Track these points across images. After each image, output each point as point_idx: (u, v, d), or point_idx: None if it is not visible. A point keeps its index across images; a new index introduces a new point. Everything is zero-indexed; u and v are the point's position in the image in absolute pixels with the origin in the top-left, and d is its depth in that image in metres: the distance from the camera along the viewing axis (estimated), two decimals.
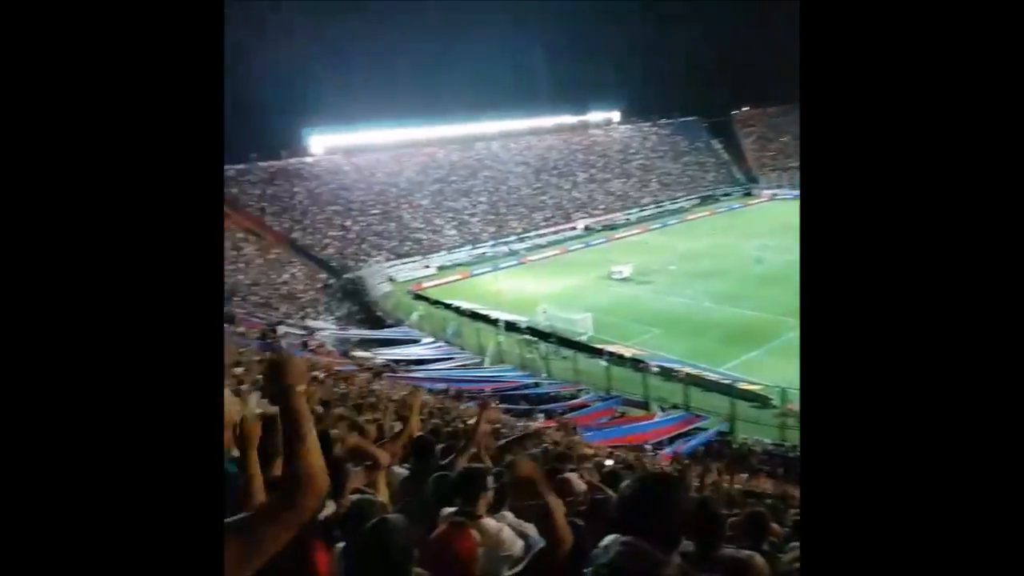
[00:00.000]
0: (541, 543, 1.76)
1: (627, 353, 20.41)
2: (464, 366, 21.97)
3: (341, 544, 1.79)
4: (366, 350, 24.05)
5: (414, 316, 27.33)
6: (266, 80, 43.72)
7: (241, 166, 41.74)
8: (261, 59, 43.87)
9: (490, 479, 2.24)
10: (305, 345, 23.56)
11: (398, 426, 4.43)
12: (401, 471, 3.34)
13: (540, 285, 30.12)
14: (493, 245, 40.07)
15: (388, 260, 36.09)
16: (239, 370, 9.80)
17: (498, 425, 8.44)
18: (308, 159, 45.71)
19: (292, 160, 44.94)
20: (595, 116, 57.54)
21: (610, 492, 2.95)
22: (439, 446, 3.66)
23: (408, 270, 34.93)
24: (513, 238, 41.30)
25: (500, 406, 15.45)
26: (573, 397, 18.05)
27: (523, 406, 16.57)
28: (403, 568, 1.44)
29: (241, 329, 23.04)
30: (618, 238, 40.75)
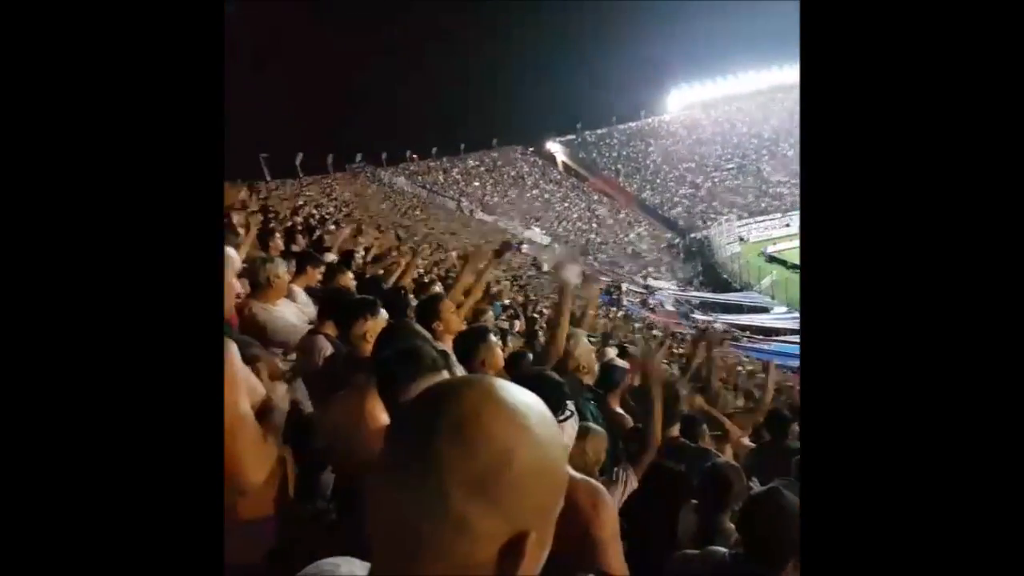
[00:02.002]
0: None
1: None
2: None
3: (694, 502, 1.96)
4: (706, 314, 23.01)
5: (766, 281, 24.71)
6: (625, 45, 44.73)
7: (601, 131, 44.22)
8: (619, 24, 45.04)
9: None
10: (644, 303, 23.93)
11: (740, 400, 4.52)
12: (749, 445, 3.30)
13: None
14: None
15: (740, 218, 33.08)
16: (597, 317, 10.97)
17: None
18: (665, 117, 45.38)
19: (649, 119, 45.32)
20: None
21: None
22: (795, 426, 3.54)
23: (762, 229, 31.29)
24: None
25: None
26: None
27: None
28: (790, 544, 1.40)
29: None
30: None
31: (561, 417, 1.21)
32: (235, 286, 1.22)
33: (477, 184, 38.09)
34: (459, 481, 0.42)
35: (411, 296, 2.84)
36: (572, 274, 2.41)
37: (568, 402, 1.27)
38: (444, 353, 1.59)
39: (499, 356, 2.23)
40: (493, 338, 2.23)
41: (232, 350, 1.09)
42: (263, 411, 1.13)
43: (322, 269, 3.18)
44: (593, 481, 1.28)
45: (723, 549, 1.57)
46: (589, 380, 2.49)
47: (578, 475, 1.24)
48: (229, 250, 1.20)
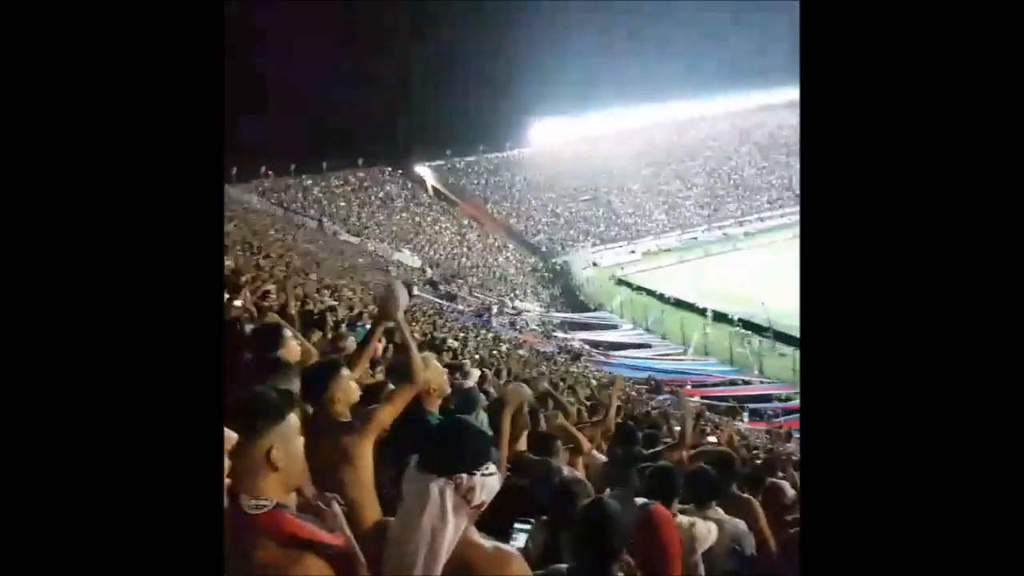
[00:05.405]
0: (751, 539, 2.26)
1: None
2: (664, 356, 21.34)
3: (543, 518, 1.93)
4: (567, 332, 24.76)
5: (616, 301, 27.13)
6: (494, 77, 47.15)
7: (470, 158, 45.83)
8: (491, 57, 47.42)
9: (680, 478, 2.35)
10: (512, 324, 25.24)
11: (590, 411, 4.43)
12: (599, 457, 3.38)
13: (759, 274, 27.27)
14: (705, 230, 37.44)
15: (594, 245, 36.29)
16: (455, 343, 11.00)
17: (703, 423, 8.17)
18: (528, 149, 48.09)
19: (515, 151, 47.76)
20: None
21: None
22: (640, 434, 3.64)
23: (612, 255, 34.67)
24: (730, 222, 38.07)
25: (703, 401, 14.74)
26: (788, 399, 16.13)
27: (729, 403, 15.41)
28: (616, 551, 1.46)
29: (460, 307, 25.67)
30: None
31: (485, 472, 1.12)
32: None
33: (343, 204, 37.41)
34: None
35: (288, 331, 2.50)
36: (401, 295, 2.18)
37: (491, 461, 1.16)
38: (288, 392, 1.51)
39: (352, 390, 1.97)
40: (346, 371, 1.97)
41: None
42: None
43: None
44: (507, 548, 1.18)
45: (563, 566, 1.53)
46: (439, 401, 2.41)
47: (489, 543, 1.15)
48: None
